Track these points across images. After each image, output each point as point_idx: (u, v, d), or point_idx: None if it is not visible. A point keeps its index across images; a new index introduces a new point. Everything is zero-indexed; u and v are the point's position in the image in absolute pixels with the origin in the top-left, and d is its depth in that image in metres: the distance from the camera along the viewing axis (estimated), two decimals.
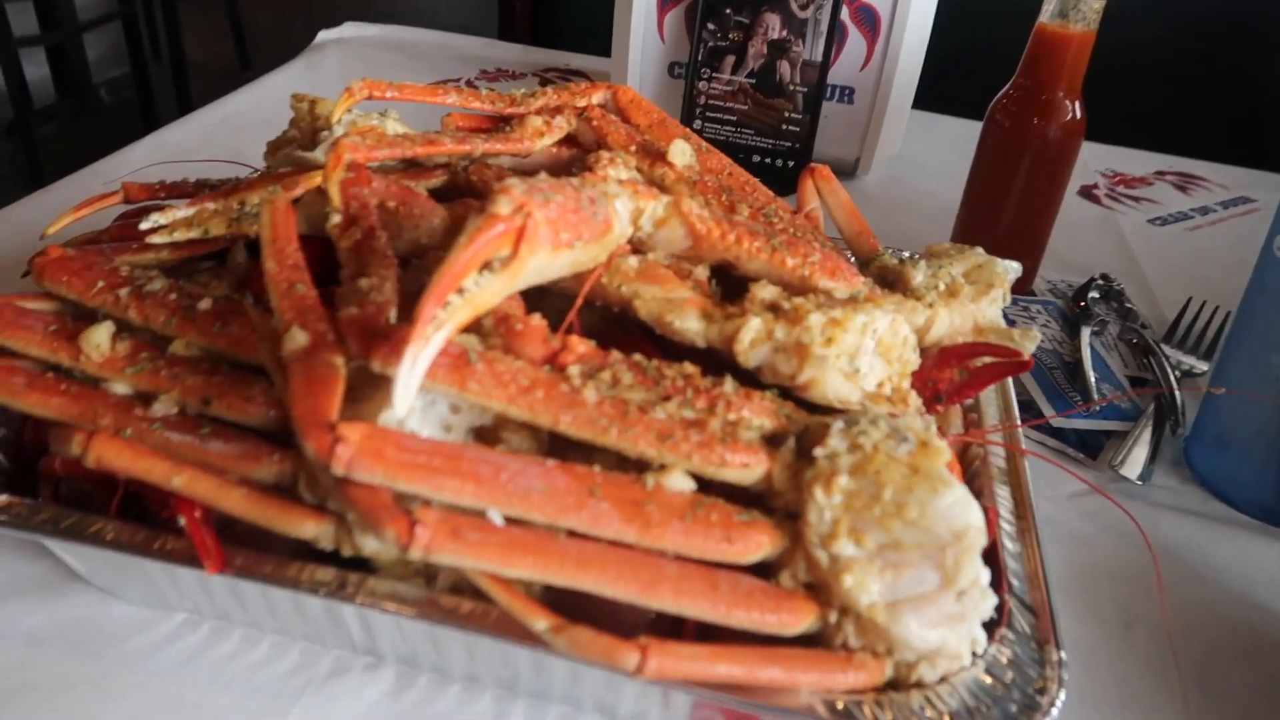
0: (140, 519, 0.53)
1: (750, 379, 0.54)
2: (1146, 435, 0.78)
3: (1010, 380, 0.67)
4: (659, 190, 0.60)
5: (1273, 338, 0.68)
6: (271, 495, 0.49)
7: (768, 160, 1.17)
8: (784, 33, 1.11)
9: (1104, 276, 1.00)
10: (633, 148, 0.70)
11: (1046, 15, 0.85)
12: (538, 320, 0.53)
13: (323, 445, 0.43)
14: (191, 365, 0.54)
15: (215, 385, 0.53)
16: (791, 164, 1.16)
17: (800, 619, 0.46)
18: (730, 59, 1.14)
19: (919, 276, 0.62)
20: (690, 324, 0.55)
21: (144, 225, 0.60)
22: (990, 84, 0.94)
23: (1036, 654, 0.48)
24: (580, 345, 0.52)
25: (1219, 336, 0.92)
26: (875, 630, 0.45)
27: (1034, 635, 0.49)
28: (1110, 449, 0.78)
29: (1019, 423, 0.64)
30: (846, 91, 1.18)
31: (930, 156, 1.31)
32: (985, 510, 0.47)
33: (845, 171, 1.21)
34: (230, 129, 1.26)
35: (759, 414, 0.51)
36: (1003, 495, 0.58)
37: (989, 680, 0.46)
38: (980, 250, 0.67)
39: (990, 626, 0.48)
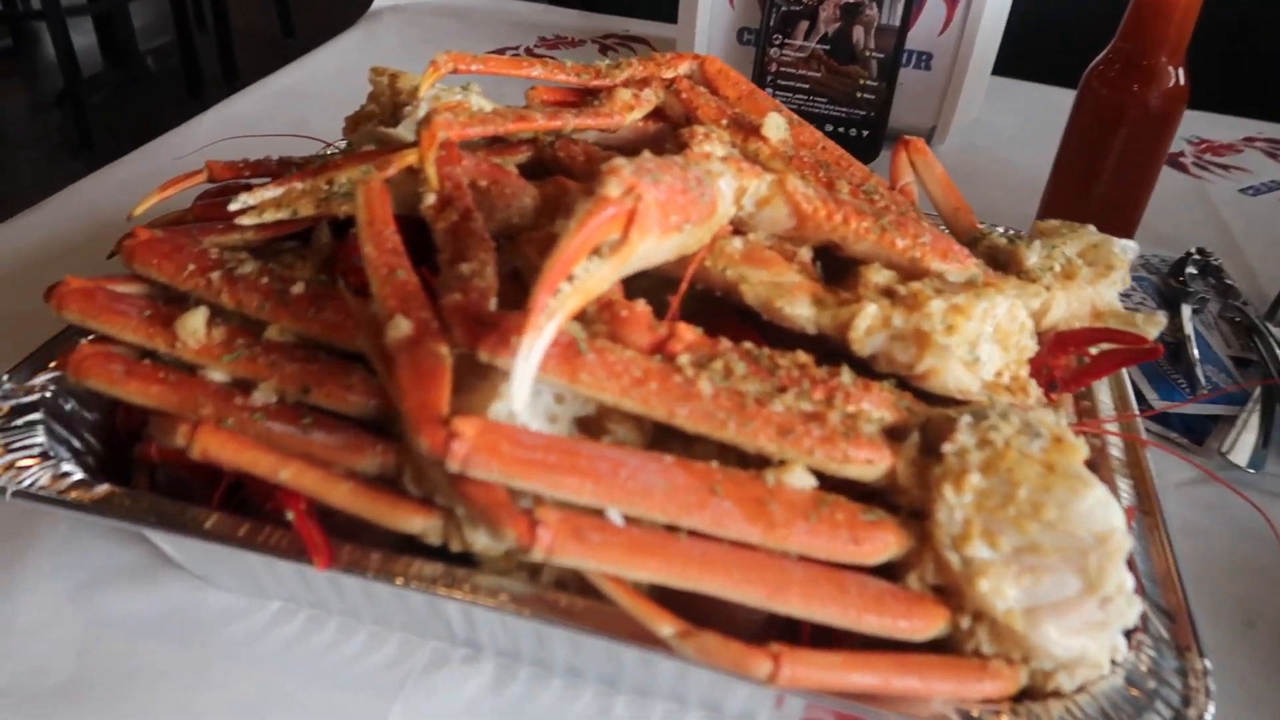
0: (239, 508, 0.52)
1: (860, 367, 0.52)
2: (1255, 420, 0.74)
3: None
4: (760, 168, 0.57)
5: None
6: (379, 489, 0.48)
7: (841, 130, 1.13)
8: None
9: (1200, 251, 0.96)
10: (724, 121, 0.67)
11: None
12: (642, 306, 0.51)
13: (437, 441, 0.42)
14: (288, 352, 0.53)
15: (314, 373, 0.52)
16: (866, 134, 1.12)
17: (932, 624, 0.44)
18: (803, 24, 1.11)
19: (1033, 258, 0.59)
20: (801, 310, 0.52)
21: (232, 206, 0.59)
22: (1074, 49, 0.90)
23: (1177, 662, 0.45)
24: (688, 333, 0.50)
25: None
26: (1012, 637, 0.43)
27: (1173, 641, 0.46)
28: (1217, 434, 0.75)
29: (1136, 411, 0.61)
30: (924, 57, 1.13)
31: (1008, 124, 1.26)
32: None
33: None
34: (292, 100, 1.24)
35: (879, 406, 0.49)
36: (1124, 489, 0.56)
37: (1131, 690, 0.44)
38: (1093, 229, 0.64)
39: (1127, 633, 0.46)
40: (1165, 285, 0.93)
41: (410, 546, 0.49)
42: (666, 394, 0.46)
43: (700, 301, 0.60)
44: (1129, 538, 0.43)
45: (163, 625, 0.58)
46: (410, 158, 0.57)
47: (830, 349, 0.53)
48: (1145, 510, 0.54)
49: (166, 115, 1.14)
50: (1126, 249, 0.62)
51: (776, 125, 0.66)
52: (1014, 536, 0.43)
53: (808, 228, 0.57)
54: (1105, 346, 0.58)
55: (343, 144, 0.78)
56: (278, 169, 0.69)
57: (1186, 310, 0.86)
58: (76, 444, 0.58)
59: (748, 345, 0.50)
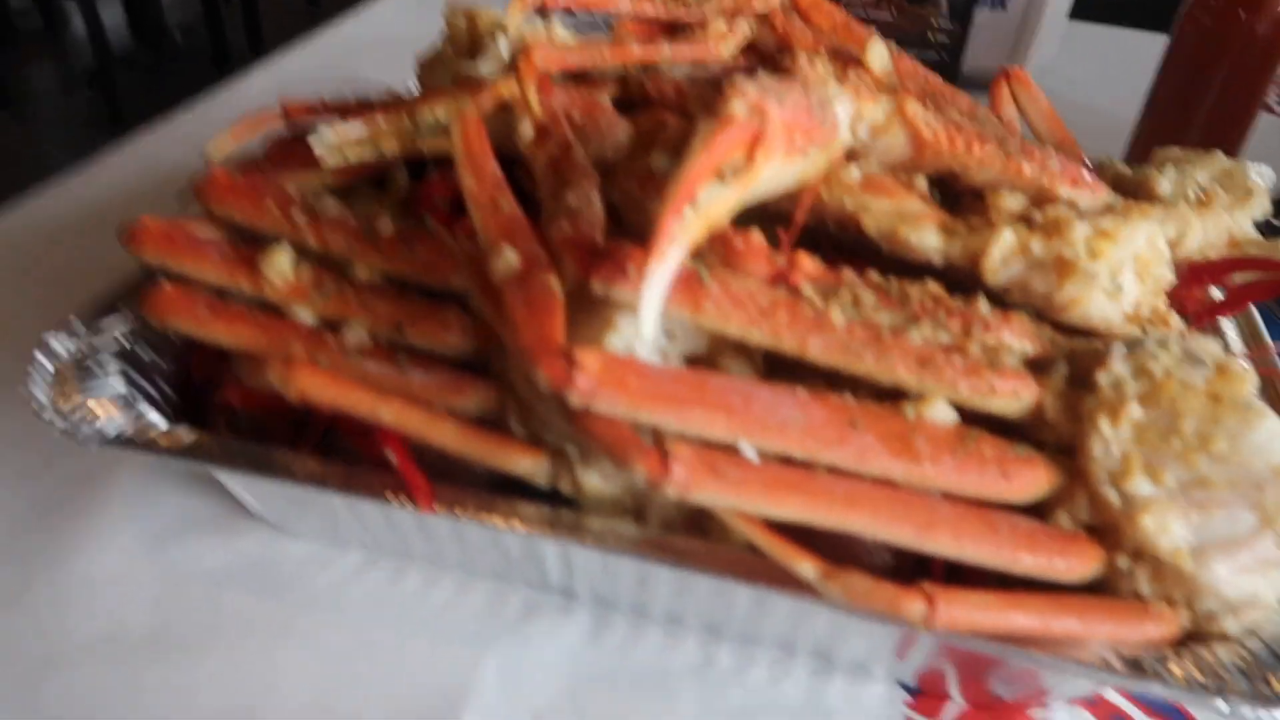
0: (320, 451, 0.50)
1: (990, 301, 0.48)
2: None
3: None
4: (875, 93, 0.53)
5: None
6: (484, 429, 0.45)
7: None
8: None
9: None
10: (822, 51, 0.63)
11: None
12: (758, 237, 0.48)
13: (558, 373, 0.39)
14: (379, 291, 0.51)
15: (407, 312, 0.49)
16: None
17: (1088, 564, 0.41)
18: None
19: (1165, 185, 0.55)
20: (928, 239, 0.49)
21: (313, 143, 0.56)
22: None
23: None
24: (810, 263, 0.47)
25: None
26: (1176, 577, 0.40)
27: None
28: None
29: (1271, 344, 0.57)
30: None
31: (1084, 70, 1.21)
32: None
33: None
34: (345, 53, 1.21)
35: (1020, 337, 0.45)
36: None
37: None
38: (1221, 154, 0.59)
39: None
40: (1267, 227, 0.88)
41: (504, 489, 0.47)
42: (797, 325, 0.43)
43: (815, 239, 0.56)
44: None
45: (243, 577, 0.55)
46: (505, 89, 0.54)
47: (955, 283, 0.50)
48: None
49: (195, 90, 1.11)
50: (1263, 174, 0.58)
51: (880, 54, 0.62)
52: (1180, 471, 0.40)
53: (926, 156, 0.53)
54: (1243, 278, 0.54)
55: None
56: (357, 108, 0.66)
57: None
58: (153, 392, 0.56)
59: (874, 275, 0.47)
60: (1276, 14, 0.78)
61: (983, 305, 0.46)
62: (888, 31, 1.06)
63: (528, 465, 0.44)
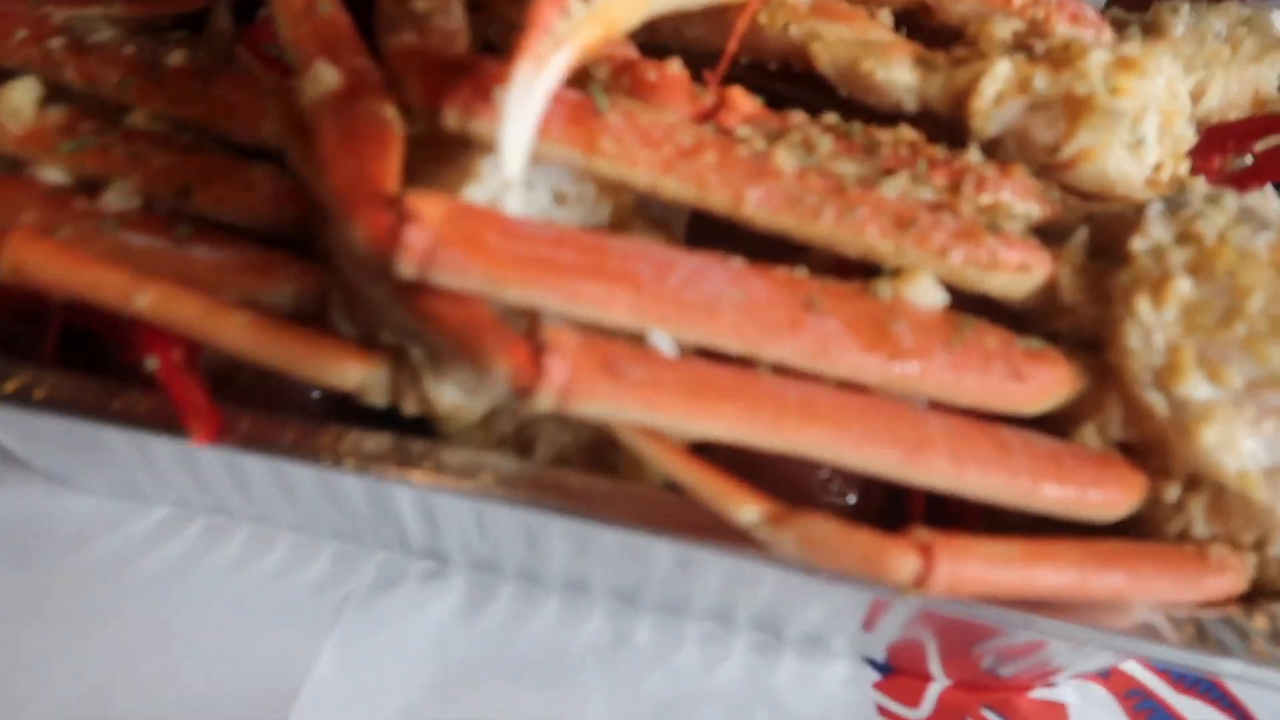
0: (93, 367, 0.36)
1: None
2: None
3: None
4: None
5: None
6: (293, 325, 0.32)
7: None
8: None
9: None
10: None
11: None
12: (677, 68, 0.35)
13: (378, 226, 0.26)
14: (160, 142, 0.37)
15: (198, 168, 0.36)
16: None
17: (1129, 495, 0.30)
18: None
19: (1179, 27, 0.45)
20: (899, 74, 0.37)
21: None
22: None
23: None
24: (745, 101, 0.35)
25: None
26: (1245, 510, 0.30)
27: None
28: None
29: None
30: None
31: None
32: None
33: None
34: None
35: (1023, 196, 0.34)
36: None
37: None
38: (1237, 3, 0.49)
39: None
40: None
41: (344, 416, 0.34)
42: (729, 170, 0.31)
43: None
44: None
45: (1, 544, 0.42)
46: None
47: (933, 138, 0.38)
48: None
49: None
50: None
51: None
52: (1247, 365, 0.30)
53: None
54: (1273, 141, 0.43)
55: None
56: None
57: None
58: None
59: (830, 118, 0.35)
60: None
61: (975, 154, 0.34)
62: None
63: (356, 374, 0.31)
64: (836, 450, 0.27)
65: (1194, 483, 0.30)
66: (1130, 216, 0.33)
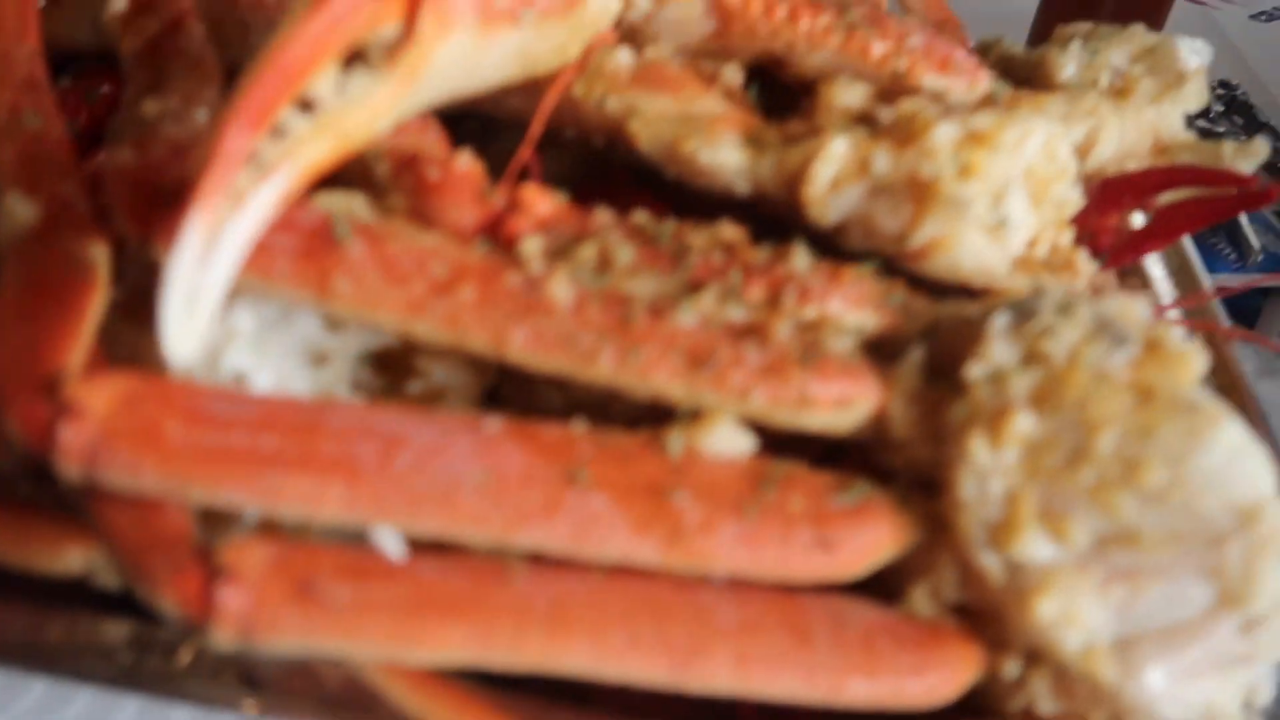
0: None
1: (823, 246, 0.32)
2: None
3: None
4: None
5: None
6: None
7: None
8: None
9: (1223, 84, 0.78)
10: None
11: None
12: (467, 163, 0.31)
13: (31, 419, 0.22)
14: None
15: None
16: None
17: (959, 674, 0.26)
18: None
19: (1069, 68, 0.40)
20: (725, 155, 0.32)
21: None
22: None
23: None
24: (542, 202, 0.30)
25: None
26: (1092, 689, 0.26)
27: None
28: (1270, 312, 0.58)
29: (1209, 291, 0.42)
30: None
31: None
32: None
33: None
34: None
35: (855, 306, 0.29)
36: None
37: None
38: (1142, 27, 0.44)
39: None
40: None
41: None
42: (491, 307, 0.26)
43: (586, 164, 0.40)
44: None
45: None
46: None
47: (773, 224, 0.33)
48: None
49: None
50: (1199, 51, 0.42)
51: None
52: (1095, 518, 0.25)
53: (735, 31, 0.37)
54: (1174, 196, 0.39)
55: None
56: None
57: None
58: None
59: (640, 218, 0.31)
60: None
61: (800, 258, 0.30)
62: None
63: (79, 557, 0.27)
64: (593, 667, 0.23)
65: (1035, 658, 0.26)
66: (973, 328, 0.28)
